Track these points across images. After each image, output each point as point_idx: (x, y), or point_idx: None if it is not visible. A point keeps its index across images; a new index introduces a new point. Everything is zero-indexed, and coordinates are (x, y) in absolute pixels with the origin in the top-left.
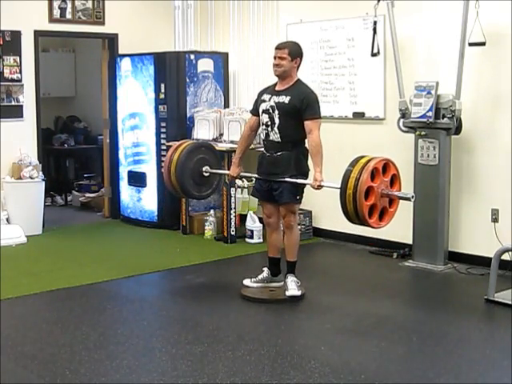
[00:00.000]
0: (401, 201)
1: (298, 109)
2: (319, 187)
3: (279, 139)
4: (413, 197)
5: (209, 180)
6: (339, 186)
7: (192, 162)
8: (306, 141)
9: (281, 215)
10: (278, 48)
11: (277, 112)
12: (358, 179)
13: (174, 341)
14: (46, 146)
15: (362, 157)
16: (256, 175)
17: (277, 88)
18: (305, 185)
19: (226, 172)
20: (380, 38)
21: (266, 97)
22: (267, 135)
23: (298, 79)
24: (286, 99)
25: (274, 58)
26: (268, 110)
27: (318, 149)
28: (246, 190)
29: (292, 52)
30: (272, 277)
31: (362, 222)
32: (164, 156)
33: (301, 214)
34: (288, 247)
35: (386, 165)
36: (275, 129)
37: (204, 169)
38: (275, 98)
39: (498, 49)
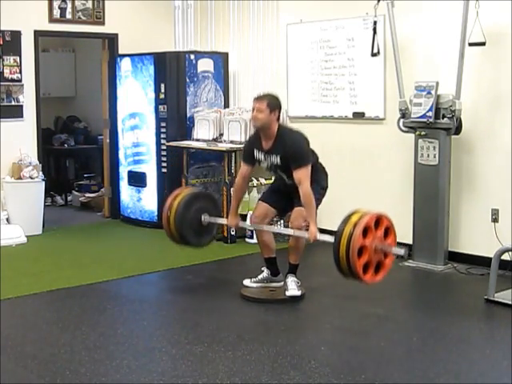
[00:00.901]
0: (401, 198)
1: (290, 164)
2: (314, 240)
3: (293, 181)
4: (405, 252)
5: (208, 228)
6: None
7: (191, 211)
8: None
9: (291, 219)
10: (257, 100)
11: (279, 170)
12: (350, 238)
13: (174, 341)
14: (46, 146)
15: (353, 213)
16: (255, 226)
17: (263, 145)
18: (324, 193)
19: (225, 222)
20: (380, 38)
21: (260, 156)
22: (282, 182)
23: (279, 128)
24: (277, 159)
25: (252, 109)
26: (271, 168)
27: (309, 201)
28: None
29: (270, 104)
30: (272, 277)
31: (357, 279)
32: (164, 156)
33: None
34: (293, 250)
35: (379, 219)
36: (286, 180)
37: (203, 218)
38: (269, 158)
39: (498, 49)
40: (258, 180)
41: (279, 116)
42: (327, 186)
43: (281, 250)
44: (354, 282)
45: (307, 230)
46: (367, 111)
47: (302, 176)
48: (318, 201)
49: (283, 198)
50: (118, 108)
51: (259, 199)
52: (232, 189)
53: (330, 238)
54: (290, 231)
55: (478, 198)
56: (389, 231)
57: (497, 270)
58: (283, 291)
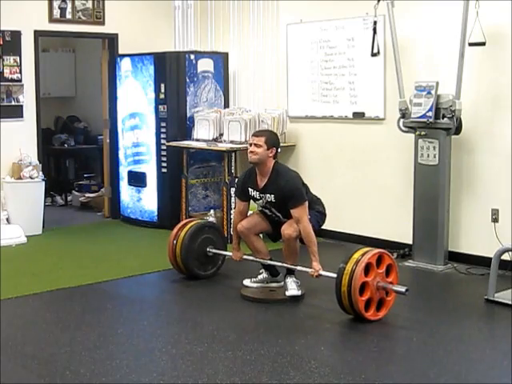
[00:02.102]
0: (401, 198)
1: (286, 203)
2: (318, 276)
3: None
4: (407, 290)
5: (213, 259)
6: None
7: (196, 242)
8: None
9: (283, 227)
10: (255, 135)
11: (273, 209)
12: (352, 275)
13: (174, 341)
14: (46, 146)
15: (355, 251)
16: (258, 259)
17: (259, 183)
18: (323, 218)
19: (229, 254)
20: (380, 38)
21: (255, 194)
22: (276, 219)
23: (274, 166)
24: (272, 198)
25: (250, 144)
26: (266, 207)
27: (310, 238)
28: None
29: (268, 141)
30: (272, 277)
31: (359, 316)
32: (164, 156)
33: None
34: (287, 256)
35: (381, 257)
36: (281, 218)
37: (208, 249)
38: (264, 197)
39: (498, 49)
40: (255, 202)
41: (276, 154)
42: (325, 213)
43: (277, 250)
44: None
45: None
46: (367, 111)
47: (300, 214)
48: (319, 221)
49: (275, 224)
50: (118, 108)
51: (259, 210)
52: (232, 189)
53: (332, 275)
54: (291, 267)
55: (478, 198)
56: (391, 269)
57: (497, 270)
58: (283, 291)
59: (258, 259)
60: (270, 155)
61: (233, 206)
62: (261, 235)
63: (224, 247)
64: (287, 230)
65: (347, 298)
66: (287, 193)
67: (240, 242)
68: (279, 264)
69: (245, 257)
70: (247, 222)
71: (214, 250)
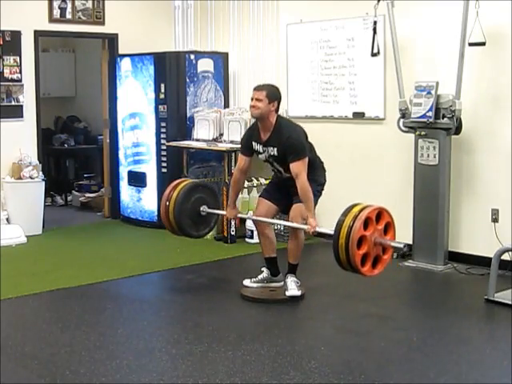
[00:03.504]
0: (401, 198)
1: (287, 157)
2: (314, 233)
3: (290, 176)
4: (405, 246)
5: (206, 219)
6: (333, 231)
7: (190, 202)
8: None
9: (290, 216)
10: (256, 90)
11: (275, 163)
12: (351, 228)
13: (173, 341)
14: (46, 146)
15: (355, 205)
16: (253, 217)
17: (262, 137)
18: (322, 189)
19: (223, 213)
20: (380, 38)
21: (258, 147)
22: (279, 176)
23: (277, 119)
24: (274, 151)
25: (251, 99)
26: (268, 160)
27: (307, 194)
28: (245, 190)
29: (270, 95)
30: (272, 277)
31: (355, 271)
32: (164, 156)
33: None
34: (292, 250)
35: (380, 213)
36: (283, 173)
37: (201, 208)
38: (266, 150)
39: (498, 49)
40: (257, 180)
41: (278, 107)
42: (325, 181)
43: (280, 249)
44: (353, 281)
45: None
46: (367, 111)
47: (299, 169)
48: (316, 198)
49: (282, 195)
50: (118, 108)
51: (260, 196)
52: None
53: (329, 231)
54: (288, 223)
55: (478, 198)
56: (389, 227)
57: (497, 270)
58: (283, 291)
59: (253, 218)
60: (272, 109)
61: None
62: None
63: (218, 207)
64: (295, 219)
65: (344, 251)
66: (288, 147)
67: (236, 199)
68: (281, 222)
69: (239, 215)
70: (259, 211)
71: (208, 210)
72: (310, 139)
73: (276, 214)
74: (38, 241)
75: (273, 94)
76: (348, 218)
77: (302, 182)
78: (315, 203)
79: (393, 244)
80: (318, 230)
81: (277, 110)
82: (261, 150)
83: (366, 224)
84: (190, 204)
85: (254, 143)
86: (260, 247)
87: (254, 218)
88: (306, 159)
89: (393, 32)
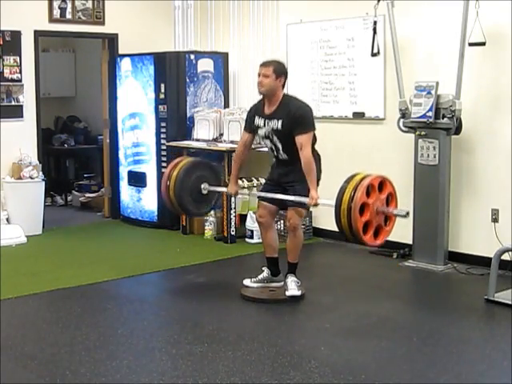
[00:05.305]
0: (401, 198)
1: (293, 129)
2: (316, 205)
3: (287, 158)
4: (407, 213)
5: (207, 197)
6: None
7: (191, 179)
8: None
9: (287, 217)
10: (263, 65)
11: (276, 138)
12: (353, 195)
13: (173, 341)
14: (46, 146)
15: (357, 173)
16: (256, 194)
17: (266, 111)
18: (320, 175)
19: (224, 190)
20: (380, 38)
21: (259, 121)
22: (275, 156)
23: (284, 95)
24: (278, 124)
25: (259, 75)
26: (268, 136)
27: (310, 166)
28: (245, 189)
29: (277, 70)
30: (272, 277)
31: (357, 238)
32: (164, 156)
33: None
34: (291, 249)
35: (383, 182)
36: (281, 152)
37: (202, 186)
38: (269, 124)
39: (498, 49)
40: (258, 180)
41: (285, 82)
42: (320, 172)
43: (280, 249)
44: (353, 281)
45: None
46: (367, 111)
47: (304, 141)
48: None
49: (278, 194)
50: (118, 108)
51: (259, 200)
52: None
53: (331, 201)
54: (291, 197)
55: (478, 198)
56: (391, 198)
57: (497, 270)
58: (283, 291)
59: (253, 193)
60: (279, 84)
61: (233, 206)
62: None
63: (219, 185)
64: (293, 218)
65: (346, 218)
66: (297, 118)
67: (238, 175)
68: (281, 196)
69: (240, 192)
70: (262, 212)
71: (209, 187)
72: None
73: (277, 213)
74: (37, 241)
75: (280, 69)
76: (350, 185)
77: (307, 154)
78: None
79: (395, 212)
80: (320, 201)
81: (283, 85)
82: (261, 125)
83: (369, 191)
84: (191, 182)
85: (256, 117)
86: (262, 246)
87: (256, 193)
88: (312, 133)
89: (393, 32)
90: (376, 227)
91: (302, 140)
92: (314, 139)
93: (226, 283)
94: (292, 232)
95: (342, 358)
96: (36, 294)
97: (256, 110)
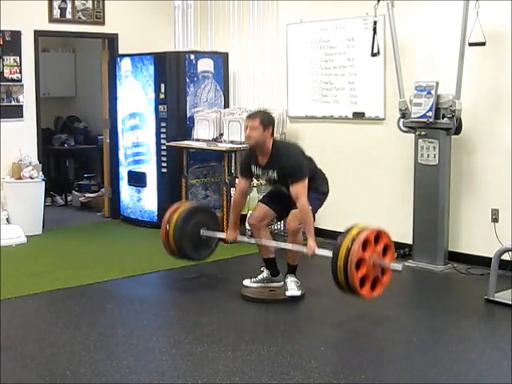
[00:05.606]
0: (401, 198)
1: (287, 179)
2: (313, 255)
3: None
4: (403, 268)
5: (207, 242)
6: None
7: (190, 225)
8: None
9: (287, 220)
10: (249, 118)
11: (277, 184)
12: (349, 250)
13: (173, 341)
14: (46, 146)
15: (353, 227)
16: (253, 241)
17: (260, 161)
18: (325, 198)
19: (223, 236)
20: (380, 38)
21: (257, 171)
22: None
23: (274, 144)
24: (274, 174)
25: (246, 127)
26: (269, 181)
27: (307, 215)
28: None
29: (263, 121)
30: (272, 277)
31: (354, 293)
32: (164, 156)
33: None
34: (291, 252)
35: (379, 235)
36: (286, 191)
37: (202, 232)
38: (267, 173)
39: (498, 49)
40: (258, 180)
41: (273, 132)
42: (328, 191)
43: (280, 250)
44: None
45: (304, 235)
46: (367, 111)
47: (299, 191)
48: (319, 204)
49: (282, 202)
50: (118, 108)
51: (259, 201)
52: (232, 189)
53: (328, 253)
54: (288, 246)
55: (478, 198)
56: (388, 249)
57: (497, 270)
58: (283, 291)
59: (252, 242)
60: (268, 134)
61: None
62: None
63: (218, 230)
64: (292, 222)
65: (343, 273)
66: (289, 170)
67: (236, 222)
68: (274, 243)
69: (239, 238)
70: (256, 215)
71: (208, 233)
72: (309, 140)
73: (272, 219)
74: (37, 241)
75: (266, 120)
76: (346, 240)
77: (303, 204)
78: (317, 208)
79: (391, 266)
80: (317, 252)
81: (272, 134)
82: (261, 174)
83: (365, 245)
84: (190, 227)
85: (253, 167)
86: (257, 248)
87: (254, 241)
88: (306, 180)
89: (393, 32)
90: (373, 280)
91: (296, 189)
92: (312, 162)
93: (226, 283)
94: (292, 236)
95: (342, 358)
96: (36, 294)
97: (251, 159)
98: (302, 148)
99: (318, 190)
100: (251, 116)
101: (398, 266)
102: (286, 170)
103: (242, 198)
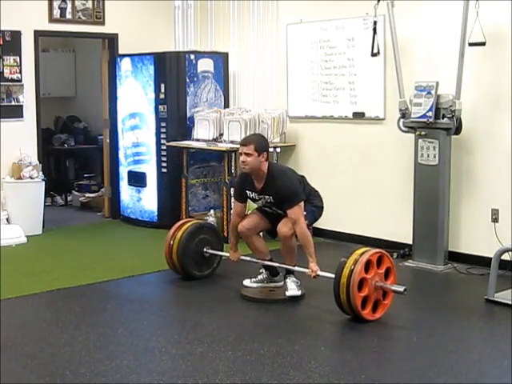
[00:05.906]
0: (401, 198)
1: (284, 204)
2: (315, 277)
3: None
4: (405, 290)
5: (210, 260)
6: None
7: (193, 243)
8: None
9: (279, 226)
10: (243, 145)
11: (274, 208)
12: (352, 270)
13: (173, 341)
14: (46, 146)
15: (357, 249)
16: (255, 260)
17: (256, 185)
18: (320, 212)
19: (226, 254)
20: (380, 38)
21: (253, 195)
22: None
23: (269, 168)
24: (271, 198)
25: (240, 154)
26: (265, 205)
27: (307, 239)
28: None
29: (258, 147)
30: (272, 277)
31: (355, 313)
32: (164, 156)
33: None
34: (285, 255)
35: (381, 257)
36: (283, 213)
37: (205, 249)
38: (263, 198)
39: (497, 49)
40: (254, 203)
41: (268, 157)
42: (322, 206)
43: (278, 250)
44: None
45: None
46: (367, 111)
47: (297, 215)
48: (314, 217)
49: (275, 216)
50: (118, 108)
51: (255, 208)
52: (232, 189)
53: (330, 274)
54: (289, 267)
55: (478, 198)
56: (390, 272)
57: (497, 270)
58: (283, 291)
59: (256, 260)
60: (262, 160)
61: (232, 206)
62: (261, 234)
63: (221, 248)
64: (283, 228)
65: (345, 293)
66: (284, 194)
67: (237, 243)
68: (277, 265)
69: (242, 257)
70: (248, 223)
71: (211, 251)
72: (309, 140)
73: (264, 229)
74: (37, 241)
75: (261, 146)
76: (349, 261)
77: (301, 228)
78: (312, 222)
79: (393, 288)
80: (319, 273)
81: (267, 159)
82: (256, 198)
83: (367, 267)
84: (194, 245)
85: (248, 192)
86: (251, 251)
87: (258, 261)
88: (302, 204)
89: (393, 32)
90: (374, 302)
91: (293, 214)
92: (304, 181)
93: (226, 283)
94: (283, 239)
95: (342, 358)
96: (36, 294)
97: (247, 183)
98: (295, 171)
99: (313, 203)
100: (245, 142)
101: (399, 288)
102: (282, 196)
103: (240, 220)
